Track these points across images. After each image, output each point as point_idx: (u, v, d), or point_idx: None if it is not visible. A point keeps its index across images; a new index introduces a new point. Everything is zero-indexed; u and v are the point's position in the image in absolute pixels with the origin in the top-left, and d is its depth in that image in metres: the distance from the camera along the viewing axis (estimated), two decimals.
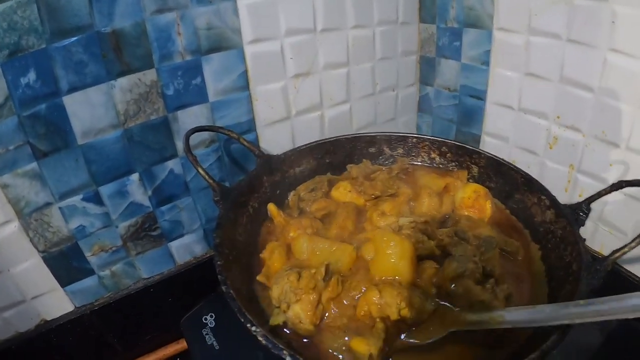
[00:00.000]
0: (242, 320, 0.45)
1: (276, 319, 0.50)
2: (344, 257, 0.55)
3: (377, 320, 0.48)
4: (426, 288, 0.52)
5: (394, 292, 0.48)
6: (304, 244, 0.58)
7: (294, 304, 0.50)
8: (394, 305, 0.47)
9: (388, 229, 0.58)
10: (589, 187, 0.70)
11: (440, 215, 0.63)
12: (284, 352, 0.42)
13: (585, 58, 0.64)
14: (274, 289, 0.52)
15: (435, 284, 0.52)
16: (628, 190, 0.63)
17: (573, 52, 0.66)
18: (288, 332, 0.51)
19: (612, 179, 0.66)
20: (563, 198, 0.75)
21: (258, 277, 0.56)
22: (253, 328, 0.44)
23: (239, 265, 0.57)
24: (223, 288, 0.49)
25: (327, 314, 0.51)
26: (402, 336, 0.49)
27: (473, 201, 0.64)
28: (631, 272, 0.69)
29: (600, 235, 0.71)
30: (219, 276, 0.50)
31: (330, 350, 0.49)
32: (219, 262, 0.52)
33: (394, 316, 0.48)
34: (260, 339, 0.44)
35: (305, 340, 0.50)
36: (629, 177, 0.63)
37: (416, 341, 0.49)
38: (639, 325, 0.64)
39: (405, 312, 0.48)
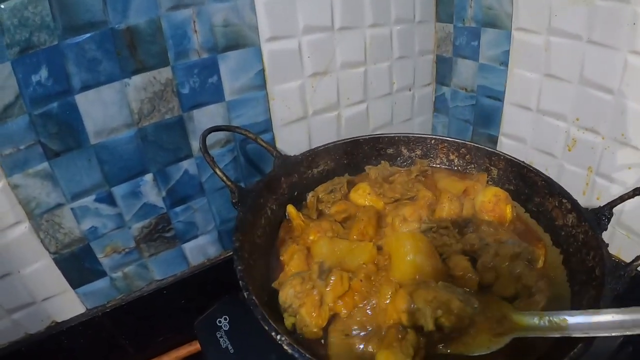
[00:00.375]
0: (267, 328, 0.44)
1: (288, 323, 0.50)
2: (364, 255, 0.54)
3: (409, 330, 0.44)
4: (465, 275, 0.51)
5: (428, 296, 0.44)
6: (323, 246, 0.57)
7: (299, 309, 0.49)
8: (429, 312, 0.43)
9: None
10: (607, 190, 0.70)
11: (461, 220, 0.62)
12: None
13: (606, 60, 0.64)
14: (280, 295, 0.51)
15: (483, 267, 0.51)
16: None
17: (593, 54, 0.65)
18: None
19: (631, 182, 0.66)
20: (581, 201, 0.74)
21: (273, 284, 0.55)
22: (278, 337, 0.43)
23: (258, 268, 0.56)
24: (245, 294, 0.47)
25: (339, 315, 0.49)
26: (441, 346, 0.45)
27: (493, 205, 0.63)
28: None
29: (617, 240, 0.71)
30: (240, 282, 0.49)
31: None
32: (239, 267, 0.50)
33: (428, 326, 0.43)
34: (286, 347, 0.43)
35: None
36: None
37: (464, 352, 0.44)
38: None
39: (443, 320, 0.43)
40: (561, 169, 0.76)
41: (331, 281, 0.50)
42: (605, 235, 0.71)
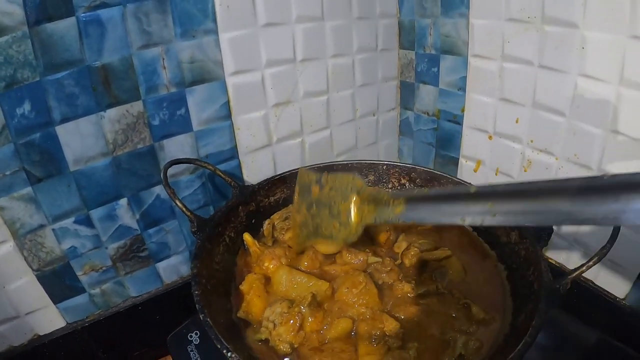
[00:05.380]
0: (219, 346, 0.47)
1: (261, 335, 0.54)
2: (320, 294, 0.58)
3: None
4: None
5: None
6: (283, 276, 0.60)
7: (279, 326, 0.53)
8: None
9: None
10: None
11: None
12: None
13: (557, 83, 0.66)
14: (266, 311, 0.56)
15: None
16: None
17: (545, 78, 0.68)
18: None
19: None
20: None
21: (238, 314, 0.58)
22: (229, 354, 0.47)
23: (216, 293, 0.59)
24: (201, 316, 0.51)
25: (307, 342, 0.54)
26: None
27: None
28: (599, 287, 0.70)
29: (575, 256, 0.72)
30: (197, 305, 0.52)
31: None
32: (196, 292, 0.54)
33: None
34: None
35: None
36: None
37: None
38: (618, 344, 0.65)
39: None
40: None
41: (317, 316, 0.55)
42: (563, 253, 0.74)
